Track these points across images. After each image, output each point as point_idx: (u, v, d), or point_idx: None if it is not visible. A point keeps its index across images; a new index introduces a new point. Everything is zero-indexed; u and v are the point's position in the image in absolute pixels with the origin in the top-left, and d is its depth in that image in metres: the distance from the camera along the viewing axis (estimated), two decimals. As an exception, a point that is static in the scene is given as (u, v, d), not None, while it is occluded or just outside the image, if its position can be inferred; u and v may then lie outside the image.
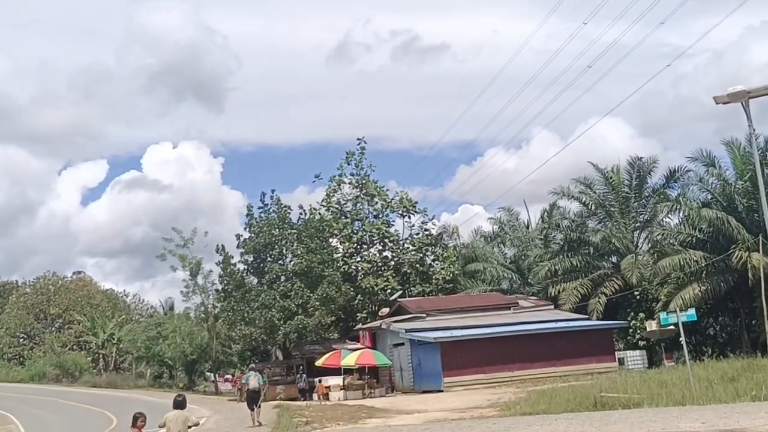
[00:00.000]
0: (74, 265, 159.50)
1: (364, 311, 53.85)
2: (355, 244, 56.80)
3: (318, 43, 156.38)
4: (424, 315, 44.73)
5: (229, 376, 58.30)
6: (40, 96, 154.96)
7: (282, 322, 47.50)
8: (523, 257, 58.36)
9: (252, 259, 50.95)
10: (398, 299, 50.94)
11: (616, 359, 41.99)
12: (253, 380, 31.05)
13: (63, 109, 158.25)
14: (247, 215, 52.22)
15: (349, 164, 59.40)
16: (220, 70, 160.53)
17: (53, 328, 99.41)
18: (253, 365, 53.33)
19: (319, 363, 43.84)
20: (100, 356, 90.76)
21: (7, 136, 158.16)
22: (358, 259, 56.61)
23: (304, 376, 46.29)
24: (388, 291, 53.71)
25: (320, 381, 43.63)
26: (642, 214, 50.34)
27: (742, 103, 26.75)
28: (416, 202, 58.91)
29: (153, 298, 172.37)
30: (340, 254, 55.49)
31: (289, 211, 52.48)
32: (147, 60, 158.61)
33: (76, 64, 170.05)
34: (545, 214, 58.80)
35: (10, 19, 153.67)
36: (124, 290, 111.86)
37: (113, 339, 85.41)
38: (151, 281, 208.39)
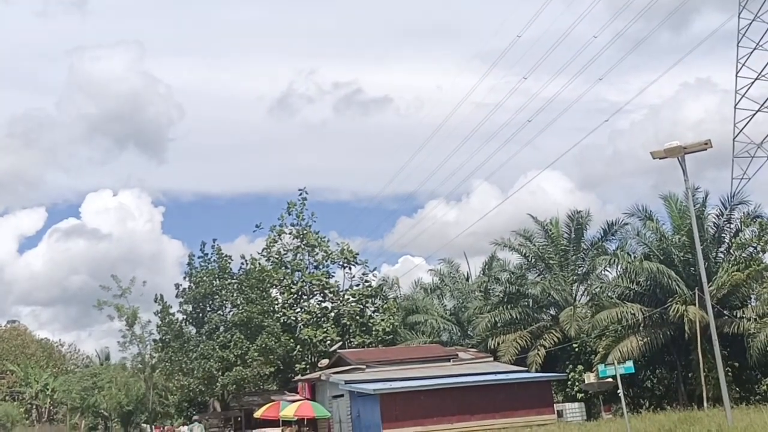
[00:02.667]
0: (8, 314, 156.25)
1: (304, 362, 53.36)
2: (295, 295, 56.39)
3: (261, 93, 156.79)
4: (364, 366, 44.42)
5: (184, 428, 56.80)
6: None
7: (220, 373, 46.89)
8: (463, 309, 58.43)
9: (191, 309, 50.39)
10: (338, 350, 50.60)
11: (555, 411, 41.98)
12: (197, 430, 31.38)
13: (1, 156, 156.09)
14: (188, 264, 51.75)
15: (290, 214, 59.20)
16: (163, 120, 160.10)
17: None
18: (196, 417, 52.84)
19: (257, 414, 43.28)
20: (34, 407, 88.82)
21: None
22: (298, 309, 56.16)
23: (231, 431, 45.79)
24: (328, 342, 53.33)
25: None
26: (581, 266, 50.76)
27: (678, 159, 27.32)
28: (357, 254, 58.82)
29: (89, 347, 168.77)
30: (279, 305, 55.05)
31: (229, 261, 52.12)
32: (88, 108, 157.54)
33: (16, 111, 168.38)
34: (485, 266, 59.03)
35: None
36: (60, 340, 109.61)
37: (47, 390, 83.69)
38: (88, 331, 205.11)
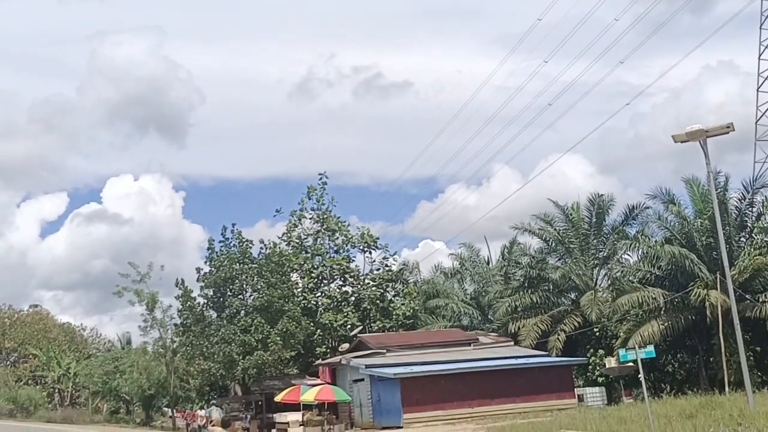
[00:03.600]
0: (31, 299, 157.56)
1: (324, 347, 53.41)
2: (315, 279, 56.42)
3: (281, 77, 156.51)
4: (384, 351, 44.53)
5: (201, 412, 56.74)
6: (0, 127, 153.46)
7: (241, 357, 47.02)
8: (483, 293, 58.41)
9: (212, 293, 50.44)
10: (358, 335, 50.68)
11: (576, 396, 42.02)
12: (215, 414, 32.06)
13: (23, 141, 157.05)
14: (208, 249, 51.78)
15: (310, 199, 59.09)
16: (183, 105, 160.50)
17: (8, 363, 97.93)
18: (215, 401, 53.12)
19: (278, 398, 43.46)
20: (56, 391, 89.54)
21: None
22: (318, 294, 56.21)
23: (248, 415, 45.88)
24: (348, 326, 53.39)
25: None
26: (601, 251, 50.62)
27: (700, 142, 27.06)
28: (377, 238, 58.68)
29: (111, 332, 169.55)
30: (299, 289, 55.09)
31: (250, 245, 52.14)
32: (109, 93, 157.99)
33: (37, 96, 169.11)
34: (505, 250, 58.91)
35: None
36: (81, 324, 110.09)
37: (69, 373, 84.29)
38: (110, 315, 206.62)
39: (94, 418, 76.20)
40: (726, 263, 27.79)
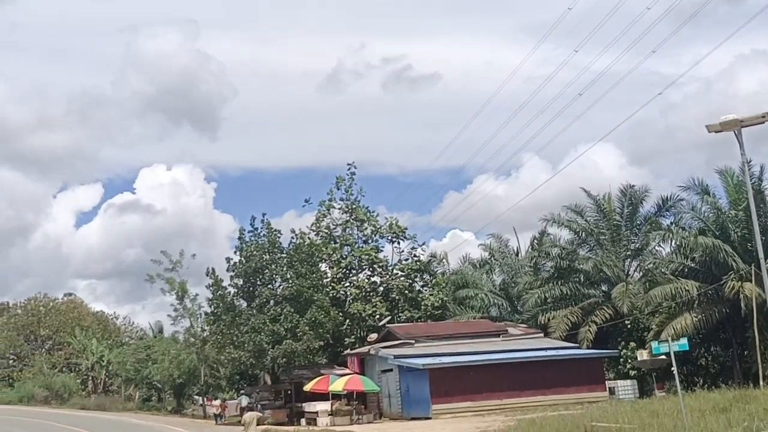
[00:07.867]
0: (65, 287, 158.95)
1: (353, 336, 53.35)
2: (344, 269, 56.32)
3: (310, 69, 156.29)
4: (413, 341, 44.37)
5: (216, 402, 57.30)
6: (37, 119, 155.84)
7: (270, 346, 47.09)
8: (512, 284, 58.03)
9: (242, 282, 50.58)
10: (387, 325, 50.52)
11: (607, 389, 41.59)
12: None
13: (59, 133, 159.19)
14: (239, 239, 51.90)
15: (339, 189, 58.94)
16: (215, 97, 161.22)
17: (43, 350, 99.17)
18: (244, 391, 53.50)
19: (307, 388, 43.56)
20: (90, 378, 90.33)
21: (5, 159, 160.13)
22: (347, 284, 56.09)
23: (260, 405, 46.23)
24: (377, 317, 53.23)
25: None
26: (633, 242, 50.10)
27: (734, 132, 26.58)
28: (405, 228, 58.39)
29: (143, 320, 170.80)
30: (328, 279, 55.05)
31: (279, 235, 52.23)
32: (144, 85, 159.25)
33: (73, 89, 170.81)
34: (535, 241, 58.47)
35: (8, 43, 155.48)
36: (114, 312, 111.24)
37: (102, 361, 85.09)
38: (142, 304, 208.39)
39: (126, 405, 76.84)
40: (761, 254, 27.32)
